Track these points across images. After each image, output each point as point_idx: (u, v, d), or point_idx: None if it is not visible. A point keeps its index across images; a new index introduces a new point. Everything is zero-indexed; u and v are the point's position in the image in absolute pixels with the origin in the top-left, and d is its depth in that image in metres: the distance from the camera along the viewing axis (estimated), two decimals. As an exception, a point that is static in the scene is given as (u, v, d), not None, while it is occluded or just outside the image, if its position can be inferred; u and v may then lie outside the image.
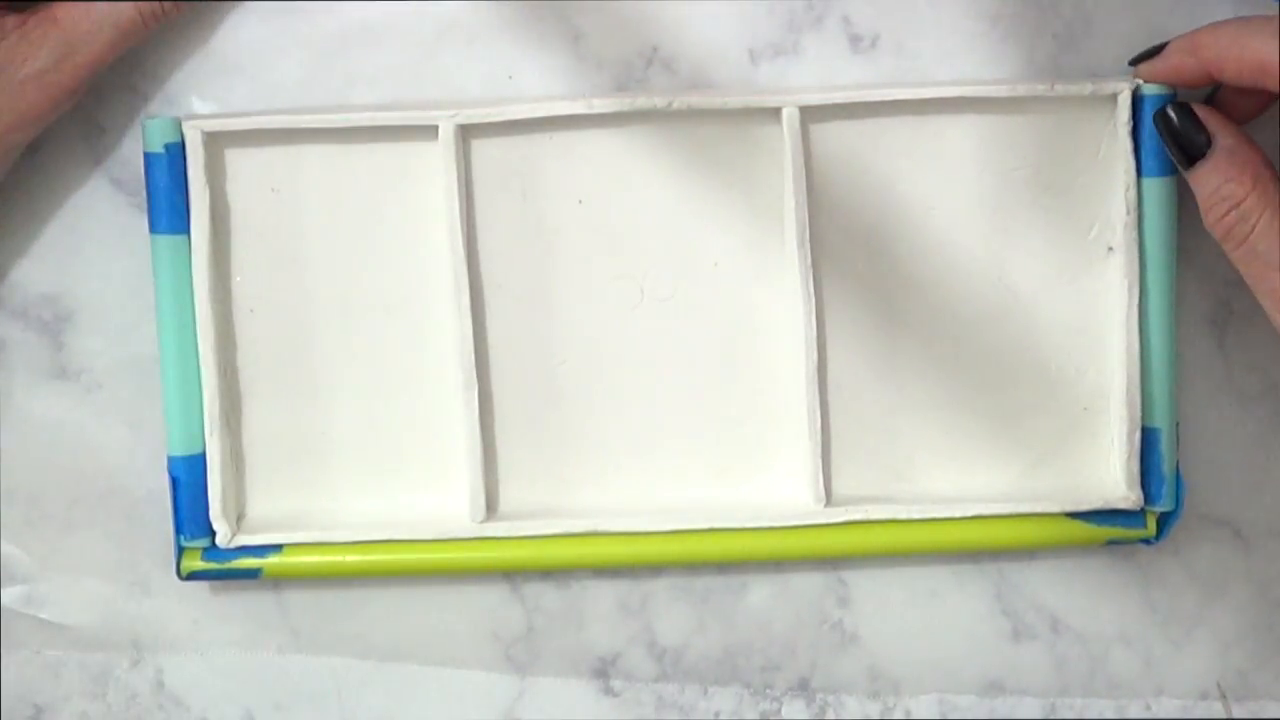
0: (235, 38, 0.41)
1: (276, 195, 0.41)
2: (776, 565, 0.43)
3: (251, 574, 0.42)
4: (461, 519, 0.42)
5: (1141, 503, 0.41)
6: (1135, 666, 0.44)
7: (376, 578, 0.43)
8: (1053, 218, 0.41)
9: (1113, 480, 0.42)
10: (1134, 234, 0.41)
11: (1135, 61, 0.40)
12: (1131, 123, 0.40)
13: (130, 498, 0.43)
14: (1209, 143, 0.38)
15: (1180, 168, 0.39)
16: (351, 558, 0.42)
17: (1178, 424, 0.42)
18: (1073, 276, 0.42)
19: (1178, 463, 0.42)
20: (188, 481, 0.42)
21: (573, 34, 0.41)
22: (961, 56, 0.41)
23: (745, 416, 0.43)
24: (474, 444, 0.42)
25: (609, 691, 0.44)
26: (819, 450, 0.42)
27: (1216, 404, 0.43)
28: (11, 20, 0.38)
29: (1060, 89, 0.40)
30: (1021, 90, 0.40)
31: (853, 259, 0.42)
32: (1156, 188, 0.40)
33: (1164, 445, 0.41)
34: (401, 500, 0.43)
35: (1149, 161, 0.40)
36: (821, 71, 0.41)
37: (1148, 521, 0.42)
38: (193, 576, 0.42)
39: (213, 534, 0.42)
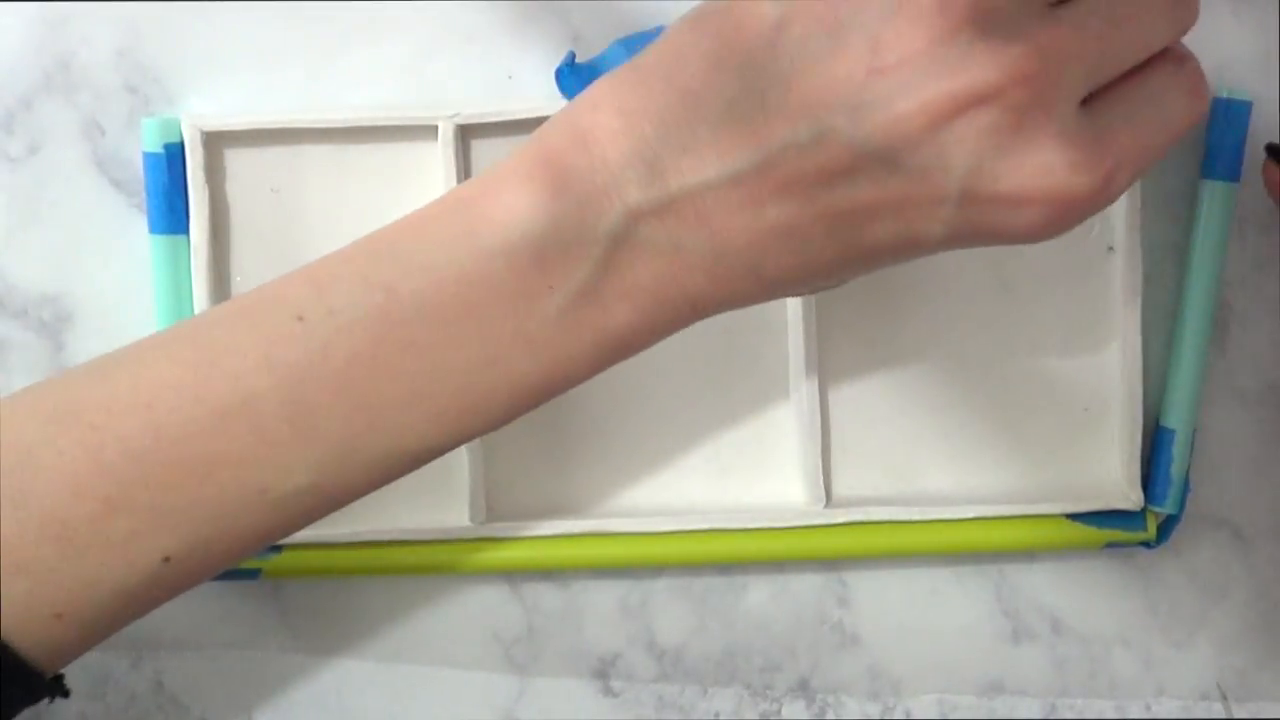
0: (235, 38, 0.41)
1: (276, 195, 0.41)
2: (776, 566, 0.43)
3: (251, 574, 0.42)
4: (461, 519, 0.42)
5: (1142, 503, 0.41)
6: (1135, 667, 0.44)
7: (376, 578, 0.43)
8: (1053, 218, 0.41)
9: (1113, 481, 0.42)
10: (1134, 233, 0.41)
11: (1273, 154, 0.40)
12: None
13: (130, 498, 0.43)
14: None
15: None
16: (351, 557, 0.42)
17: (1195, 430, 0.42)
18: (1073, 277, 0.42)
19: (1189, 469, 0.42)
20: (187, 482, 0.42)
21: (573, 34, 0.41)
22: (962, 56, 0.41)
23: (745, 416, 0.42)
24: (474, 444, 0.42)
25: (609, 692, 0.44)
26: (819, 450, 0.42)
27: (1216, 404, 0.42)
28: None
29: (1061, 89, 0.40)
30: (1022, 90, 0.40)
31: (853, 259, 0.42)
32: (1221, 190, 0.41)
33: (1177, 448, 0.41)
34: (401, 500, 0.43)
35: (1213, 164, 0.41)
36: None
37: (1148, 524, 0.42)
38: (193, 576, 0.42)
39: (212, 534, 0.42)
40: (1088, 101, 0.28)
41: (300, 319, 0.30)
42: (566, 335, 0.29)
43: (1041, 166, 0.27)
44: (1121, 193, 0.28)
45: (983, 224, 0.28)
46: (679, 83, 0.28)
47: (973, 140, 0.27)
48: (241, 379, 0.29)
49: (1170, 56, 0.30)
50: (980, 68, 0.27)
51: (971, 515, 0.42)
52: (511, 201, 0.29)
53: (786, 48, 0.28)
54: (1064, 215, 0.28)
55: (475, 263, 0.29)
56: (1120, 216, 0.41)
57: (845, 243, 0.28)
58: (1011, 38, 0.27)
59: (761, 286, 0.30)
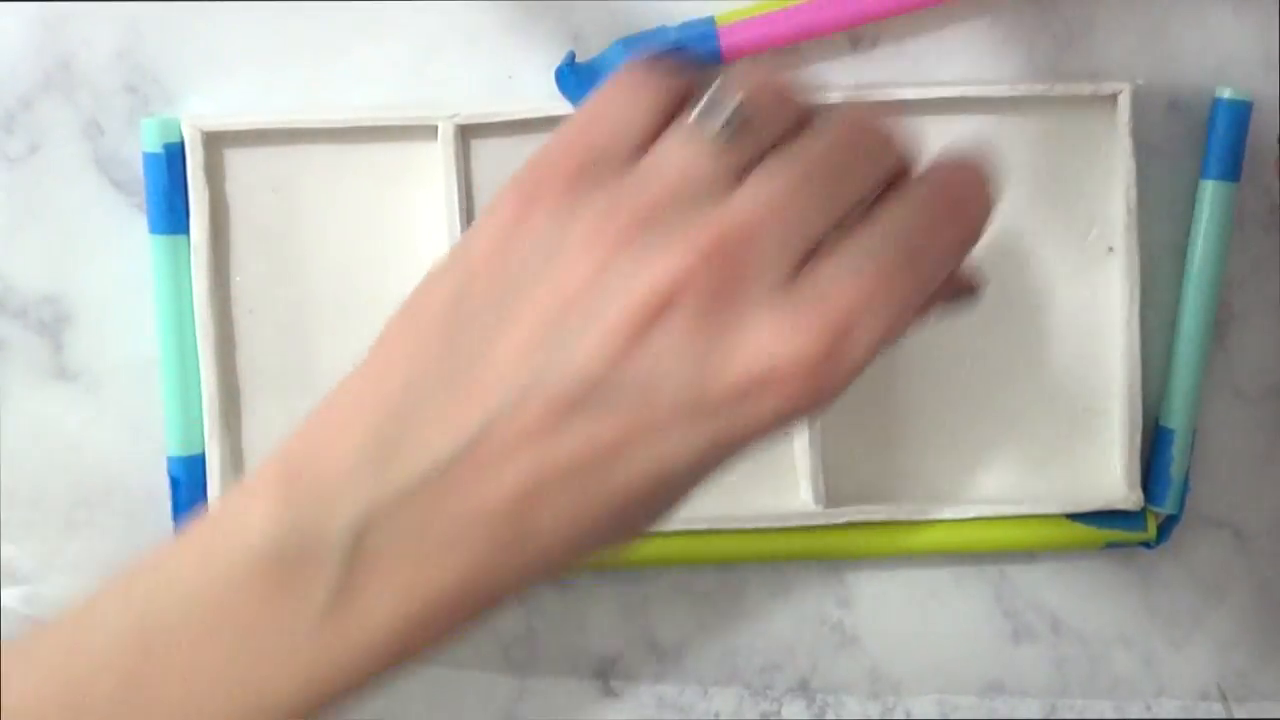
0: (235, 38, 0.41)
1: (276, 195, 0.41)
2: (776, 566, 0.43)
3: (251, 574, 0.42)
4: (461, 519, 0.42)
5: (1142, 503, 0.41)
6: (1135, 667, 0.44)
7: (376, 578, 0.43)
8: (1053, 218, 0.41)
9: (1113, 481, 0.42)
10: (1134, 234, 0.41)
11: None
12: (1132, 122, 0.40)
13: (130, 498, 0.43)
14: None
15: None
16: (351, 558, 0.42)
17: (1195, 431, 0.42)
18: (1073, 277, 0.42)
19: (1188, 469, 0.42)
20: (188, 482, 0.42)
21: (573, 34, 0.41)
22: (961, 56, 0.41)
23: (745, 417, 0.42)
24: (474, 444, 0.42)
25: (609, 692, 0.44)
26: (819, 450, 0.42)
27: (1217, 405, 0.42)
28: None
29: (1060, 89, 0.40)
30: (1021, 90, 0.40)
31: (853, 259, 0.42)
32: (1221, 190, 0.41)
33: (1177, 448, 0.41)
34: (401, 500, 0.43)
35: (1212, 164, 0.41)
36: (821, 71, 0.41)
37: (1148, 524, 0.42)
38: (193, 576, 0.42)
39: (212, 534, 0.42)
40: (813, 259, 0.27)
41: (72, 646, 0.29)
42: (327, 648, 0.28)
43: (756, 346, 0.26)
44: (872, 345, 0.26)
45: (731, 426, 0.26)
46: (395, 371, 0.28)
47: (676, 346, 0.26)
48: (28, 705, 0.28)
49: (909, 181, 0.28)
50: (654, 273, 0.26)
51: (971, 515, 0.42)
52: (246, 516, 0.28)
53: (470, 320, 0.27)
54: (804, 388, 0.26)
55: (219, 584, 0.28)
56: (1120, 217, 0.41)
57: (598, 493, 0.27)
58: (682, 232, 0.26)
59: (539, 560, 0.28)
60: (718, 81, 0.28)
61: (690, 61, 0.29)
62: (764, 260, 0.26)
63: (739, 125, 0.27)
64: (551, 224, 0.27)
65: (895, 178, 0.28)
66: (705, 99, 0.27)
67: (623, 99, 0.28)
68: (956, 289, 0.32)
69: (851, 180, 0.27)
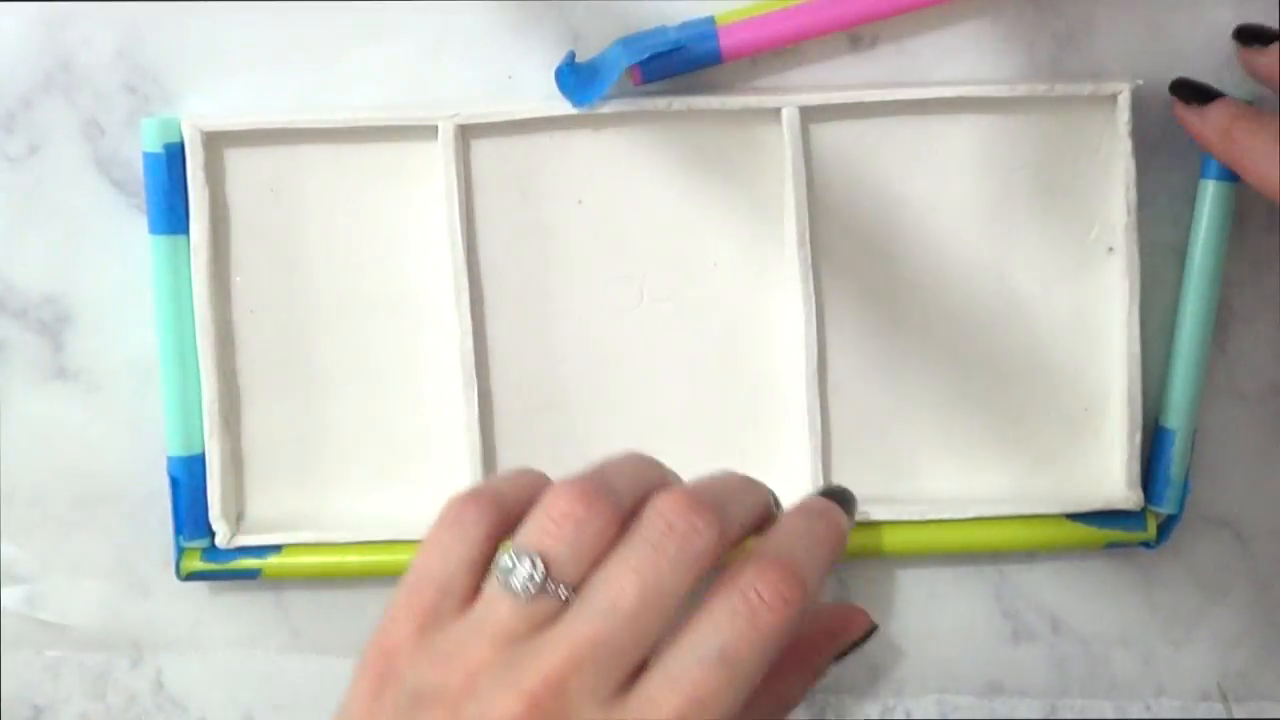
0: (235, 38, 0.41)
1: (276, 195, 0.41)
2: (776, 565, 0.43)
3: (251, 574, 0.42)
4: (461, 519, 0.42)
5: (1142, 503, 0.41)
6: (1135, 667, 0.44)
7: (376, 578, 0.43)
8: (1053, 218, 0.41)
9: (1113, 481, 0.42)
10: (1134, 234, 0.41)
11: (1176, 92, 0.40)
12: (1132, 122, 0.40)
13: (130, 498, 0.43)
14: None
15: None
16: (351, 558, 0.42)
17: (1195, 431, 0.42)
18: (1073, 277, 0.42)
19: (1188, 469, 0.42)
20: (187, 482, 0.42)
21: (573, 34, 0.41)
22: (961, 56, 0.41)
23: (745, 416, 0.42)
24: (474, 444, 0.42)
25: (609, 692, 0.44)
26: (819, 450, 0.42)
27: (1217, 405, 0.42)
28: None
29: (1060, 89, 0.40)
30: (1021, 90, 0.40)
31: (853, 259, 0.42)
32: (1221, 190, 0.41)
33: (1177, 448, 0.41)
34: (401, 500, 0.43)
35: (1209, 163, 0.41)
36: (821, 71, 0.41)
37: (1148, 524, 0.42)
38: (192, 577, 0.42)
39: (212, 534, 0.42)
40: (645, 669, 0.29)
41: None
42: None
43: None
44: None
45: None
46: None
47: None
48: None
49: (715, 590, 0.30)
50: None
51: (971, 515, 0.42)
52: None
53: None
54: None
55: None
56: (1120, 217, 0.41)
57: None
58: (509, 678, 0.28)
59: None
60: (518, 532, 0.30)
61: (509, 488, 0.32)
62: (585, 691, 0.28)
63: (543, 576, 0.29)
64: (407, 683, 0.29)
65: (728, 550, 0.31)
66: (503, 559, 0.30)
67: (439, 555, 0.31)
68: (850, 643, 0.36)
69: (664, 593, 0.29)
